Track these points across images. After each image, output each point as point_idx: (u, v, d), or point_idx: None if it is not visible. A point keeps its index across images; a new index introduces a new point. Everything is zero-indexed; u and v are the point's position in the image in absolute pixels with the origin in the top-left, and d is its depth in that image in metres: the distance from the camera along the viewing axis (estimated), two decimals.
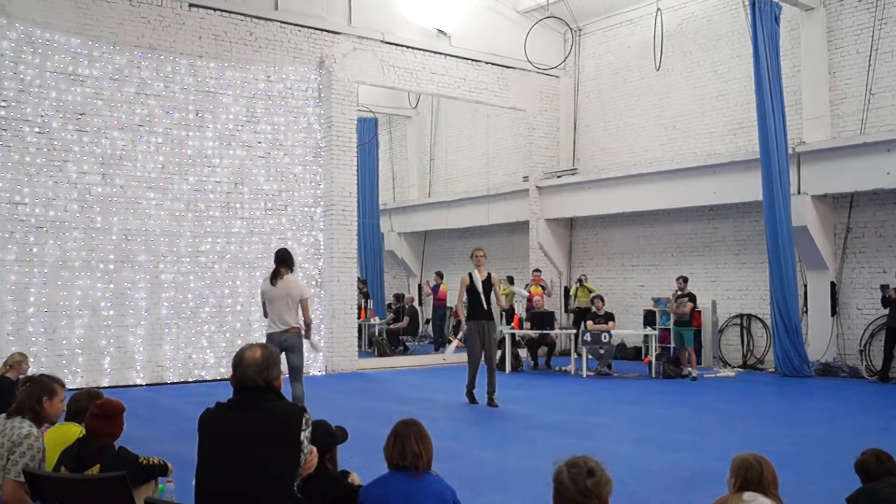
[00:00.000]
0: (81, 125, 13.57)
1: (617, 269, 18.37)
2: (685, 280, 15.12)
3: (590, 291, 17.20)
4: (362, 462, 3.94)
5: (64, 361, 13.00)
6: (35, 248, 13.03)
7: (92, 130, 13.66)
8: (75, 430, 4.70)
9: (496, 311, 12.16)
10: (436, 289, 20.17)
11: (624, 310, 17.77)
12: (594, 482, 2.99)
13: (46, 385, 4.73)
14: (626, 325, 17.18)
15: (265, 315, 9.60)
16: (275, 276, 9.31)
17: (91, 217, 13.61)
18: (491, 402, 11.25)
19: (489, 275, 11.48)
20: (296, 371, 9.29)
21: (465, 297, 11.59)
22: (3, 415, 4.66)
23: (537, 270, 17.23)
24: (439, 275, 20.82)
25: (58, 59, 13.36)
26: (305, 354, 9.87)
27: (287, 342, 9.15)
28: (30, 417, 4.55)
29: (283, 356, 8.63)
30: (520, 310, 17.12)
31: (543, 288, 17.03)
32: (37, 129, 13.15)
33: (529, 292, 16.56)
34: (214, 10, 14.79)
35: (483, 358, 11.36)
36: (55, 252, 13.20)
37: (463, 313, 11.76)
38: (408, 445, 3.80)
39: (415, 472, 3.78)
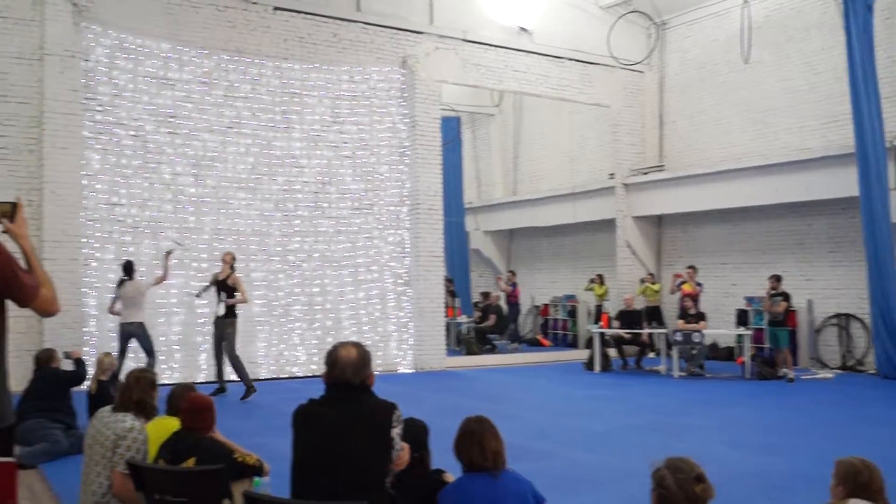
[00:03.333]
0: (173, 128, 13.92)
1: (707, 267, 17.92)
2: (778, 279, 14.66)
3: (653, 291, 17.00)
4: (453, 460, 3.90)
5: (161, 357, 13.28)
6: (131, 247, 13.40)
7: (183, 133, 14.00)
8: (174, 424, 4.80)
9: None
10: (513, 286, 20.15)
11: (715, 309, 17.32)
12: (703, 489, 2.86)
13: (152, 379, 4.89)
14: (717, 324, 16.76)
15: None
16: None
17: (184, 217, 13.95)
18: None
19: None
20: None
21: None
22: (110, 407, 4.79)
23: (691, 267, 16.49)
24: (513, 273, 21.10)
25: (149, 64, 13.72)
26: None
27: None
28: (134, 411, 4.67)
29: None
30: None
31: (700, 284, 16.26)
32: (131, 133, 13.53)
33: (681, 289, 15.96)
34: (298, 12, 14.99)
35: None
36: (150, 251, 13.56)
37: None
38: (486, 444, 3.76)
39: (494, 472, 3.73)
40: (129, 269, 11.94)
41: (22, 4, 12.73)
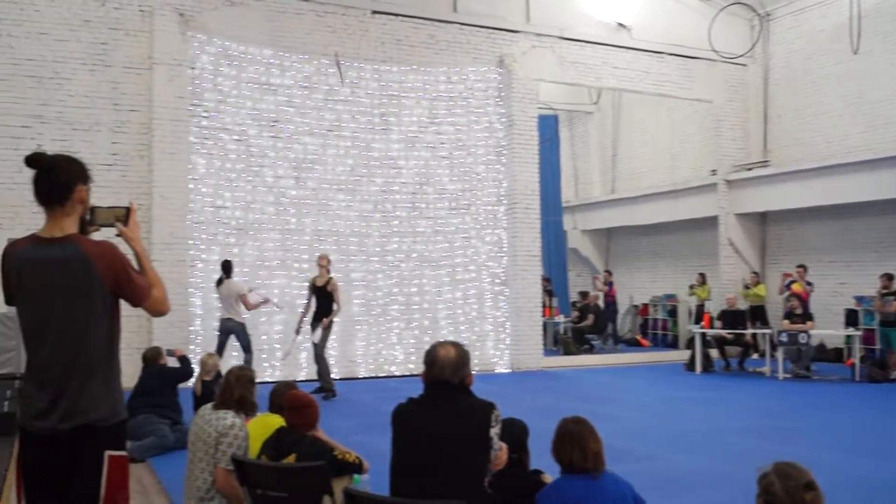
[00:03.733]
0: (275, 132, 14.26)
1: (814, 265, 17.30)
2: (890, 277, 14.08)
3: (757, 296, 16.53)
4: (550, 461, 3.88)
5: (263, 356, 13.67)
6: (236, 248, 13.78)
7: (285, 136, 14.33)
8: (276, 421, 4.91)
9: None
10: (609, 285, 19.92)
11: (823, 309, 16.72)
12: (813, 497, 2.74)
13: (251, 376, 5.01)
14: (825, 324, 16.19)
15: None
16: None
17: (286, 219, 14.27)
18: None
19: None
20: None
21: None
22: (211, 405, 4.93)
23: (801, 266, 16.01)
24: (609, 272, 20.95)
25: (252, 70, 14.09)
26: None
27: None
28: (235, 408, 4.81)
29: None
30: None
31: (810, 284, 15.76)
32: (235, 137, 13.92)
33: (791, 289, 15.50)
34: (396, 15, 15.16)
35: None
36: (254, 252, 13.93)
37: None
38: (587, 445, 3.72)
39: (594, 473, 3.69)
40: (226, 268, 12.27)
41: (132, 17, 13.27)
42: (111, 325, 3.25)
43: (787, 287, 15.37)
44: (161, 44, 13.26)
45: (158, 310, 3.37)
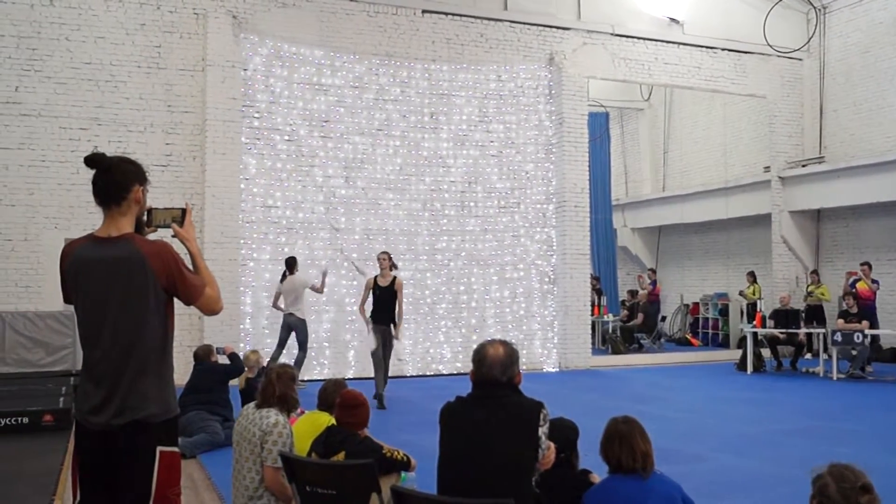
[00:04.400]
0: (326, 132, 14.38)
1: (872, 263, 16.98)
2: None
3: (822, 297, 16.27)
4: (598, 461, 3.87)
5: (312, 354, 13.77)
6: (286, 247, 13.92)
7: (335, 136, 14.44)
8: (326, 419, 4.96)
9: None
10: (653, 284, 19.75)
11: (880, 307, 16.36)
12: (869, 500, 2.69)
13: (293, 374, 5.08)
14: (882, 324, 15.85)
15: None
16: None
17: (336, 218, 14.37)
18: None
19: None
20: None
21: None
22: (254, 403, 4.99)
23: (865, 264, 15.50)
24: (653, 271, 20.92)
25: (303, 71, 14.22)
26: None
27: None
28: (277, 406, 4.86)
29: None
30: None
31: (875, 282, 15.29)
32: (286, 138, 14.07)
33: (856, 288, 15.10)
34: (446, 14, 15.19)
35: None
36: (304, 251, 14.05)
37: None
38: (636, 445, 3.70)
39: (643, 474, 3.66)
40: (290, 264, 12.57)
41: (187, 20, 13.48)
42: (165, 323, 3.33)
43: (853, 286, 14.97)
44: (214, 46, 13.46)
45: (211, 308, 3.43)
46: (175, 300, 3.39)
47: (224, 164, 13.38)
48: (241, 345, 12.64)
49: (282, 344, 12.45)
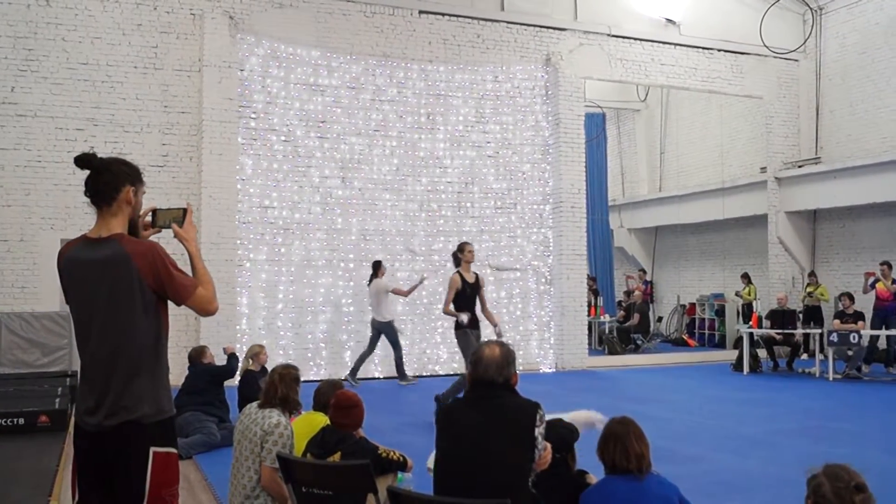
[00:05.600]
0: (322, 132, 14.37)
1: (867, 264, 16.97)
2: None
3: (821, 297, 16.29)
4: (596, 461, 3.88)
5: (308, 354, 13.82)
6: (283, 248, 13.94)
7: (332, 137, 14.43)
8: (321, 420, 4.96)
9: None
10: (645, 284, 19.83)
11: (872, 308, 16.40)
12: (863, 499, 2.70)
13: (296, 375, 5.07)
14: (878, 324, 15.85)
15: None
16: None
17: (332, 219, 14.37)
18: None
19: None
20: None
21: None
22: (256, 403, 5.00)
23: (885, 264, 14.92)
24: (643, 271, 21.38)
25: (300, 72, 14.22)
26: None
27: None
28: (280, 406, 4.87)
29: None
30: None
31: (895, 283, 14.86)
32: (283, 138, 14.06)
33: (876, 289, 14.87)
34: (443, 14, 15.20)
35: None
36: (301, 252, 14.06)
37: None
38: (630, 446, 3.69)
39: (638, 475, 3.67)
40: (374, 267, 13.34)
41: (183, 20, 13.48)
42: (157, 324, 3.32)
43: (872, 287, 14.86)
44: (211, 46, 13.45)
45: (205, 308, 3.42)
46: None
47: (220, 165, 13.36)
48: (238, 346, 12.62)
49: (370, 344, 13.30)
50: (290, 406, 4.92)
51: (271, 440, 4.66)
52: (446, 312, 9.79)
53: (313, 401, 5.46)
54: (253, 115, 13.86)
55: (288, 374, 5.00)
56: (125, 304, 3.22)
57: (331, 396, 4.93)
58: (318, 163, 14.32)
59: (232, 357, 9.23)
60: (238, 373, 9.31)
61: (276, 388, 4.91)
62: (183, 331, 12.70)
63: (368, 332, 14.13)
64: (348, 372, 13.25)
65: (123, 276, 3.20)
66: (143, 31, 13.30)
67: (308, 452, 4.60)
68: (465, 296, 9.57)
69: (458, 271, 9.68)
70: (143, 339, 3.26)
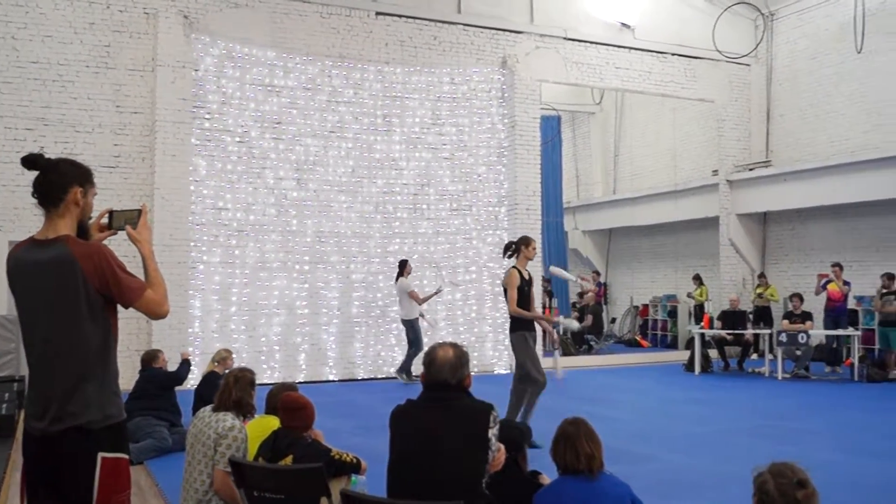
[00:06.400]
0: (278, 133, 14.28)
1: (815, 265, 17.33)
2: (891, 277, 14.11)
3: (772, 298, 16.56)
4: (549, 462, 3.91)
5: (262, 357, 13.72)
6: (237, 250, 13.83)
7: (287, 138, 14.35)
8: (274, 423, 4.93)
9: None
10: (599, 286, 20.11)
11: (817, 308, 16.71)
12: (805, 494, 2.76)
13: (251, 378, 5.02)
14: (827, 324, 16.16)
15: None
16: None
17: (287, 220, 14.29)
18: None
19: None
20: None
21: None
22: (210, 406, 4.95)
23: (837, 265, 15.16)
24: (597, 273, 21.74)
25: (255, 72, 14.12)
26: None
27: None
28: (234, 410, 4.83)
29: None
30: None
31: (847, 284, 15.09)
32: (237, 139, 13.95)
33: (827, 290, 15.04)
34: (400, 16, 15.20)
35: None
36: (255, 254, 13.96)
37: None
38: (580, 447, 3.72)
39: (590, 475, 3.70)
40: (400, 266, 13.72)
41: (136, 19, 13.32)
42: (105, 327, 3.25)
43: (824, 287, 15.10)
44: (165, 46, 13.30)
45: (155, 312, 3.36)
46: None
47: (174, 166, 13.22)
48: (191, 349, 12.50)
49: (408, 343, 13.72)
50: (244, 409, 4.87)
51: (225, 444, 4.62)
52: (515, 312, 8.65)
53: (266, 404, 5.42)
54: (207, 116, 13.73)
55: (243, 378, 4.96)
56: (70, 308, 3.16)
57: None
58: (273, 164, 14.23)
59: (184, 363, 9.10)
60: (201, 374, 9.19)
61: (230, 391, 4.86)
62: (134, 334, 12.54)
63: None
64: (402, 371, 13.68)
65: (68, 278, 3.14)
66: (96, 30, 13.11)
67: (260, 456, 4.57)
68: (522, 293, 8.66)
69: (515, 266, 8.74)
70: (90, 343, 3.20)
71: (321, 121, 14.62)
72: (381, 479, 3.80)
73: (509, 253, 8.91)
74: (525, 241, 8.90)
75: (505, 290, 8.61)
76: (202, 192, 13.60)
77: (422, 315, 13.91)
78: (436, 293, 14.20)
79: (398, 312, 14.05)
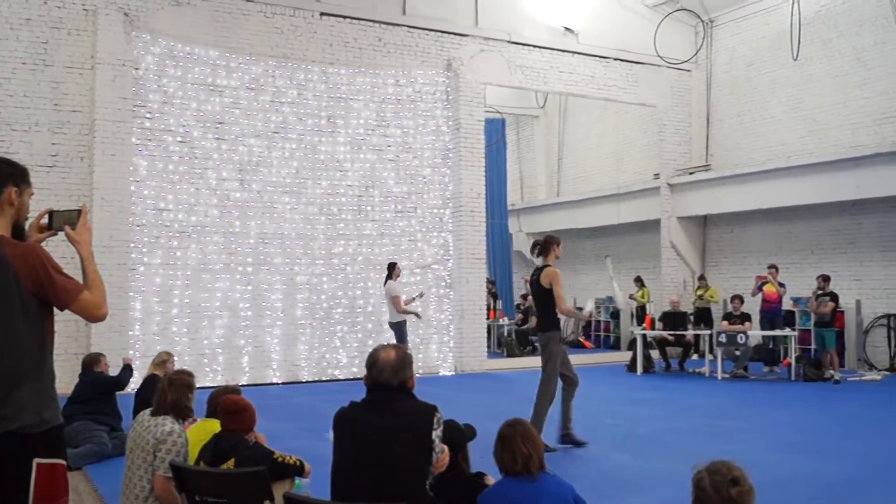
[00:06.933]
0: (220, 133, 14.13)
1: (753, 267, 17.69)
2: (826, 279, 14.47)
3: (711, 299, 16.88)
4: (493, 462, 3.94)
5: (205, 360, 13.56)
6: (178, 251, 13.65)
7: (230, 138, 14.20)
8: (215, 426, 4.87)
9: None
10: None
11: (756, 310, 17.07)
12: (738, 491, 2.84)
13: (188, 381, 4.95)
14: (764, 325, 16.51)
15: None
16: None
17: (230, 221, 14.14)
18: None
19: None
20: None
21: None
22: (148, 411, 4.88)
23: (773, 267, 15.44)
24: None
25: (198, 71, 13.95)
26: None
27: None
28: (173, 414, 4.76)
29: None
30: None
31: (783, 286, 15.34)
32: (179, 139, 13.76)
33: (763, 291, 15.34)
34: (344, 17, 15.14)
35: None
36: (197, 255, 13.79)
37: None
38: (516, 448, 3.73)
39: (530, 475, 3.72)
40: (389, 269, 13.54)
41: (75, 16, 13.05)
42: (40, 330, 3.18)
43: (760, 289, 15.39)
44: (104, 43, 13.06)
45: (92, 314, 3.30)
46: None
47: (114, 166, 12.99)
48: (131, 352, 12.31)
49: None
50: (181, 413, 4.80)
51: (164, 448, 4.55)
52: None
53: (207, 407, 5.34)
54: (148, 115, 13.52)
55: (179, 380, 4.88)
56: (4, 310, 3.07)
57: None
58: (215, 164, 14.07)
59: (127, 368, 8.93)
60: (142, 378, 9.01)
61: (166, 394, 4.79)
62: (73, 337, 12.29)
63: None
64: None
65: (1, 279, 3.08)
66: (33, 26, 12.81)
67: (201, 460, 4.52)
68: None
69: (550, 265, 8.64)
70: (25, 346, 3.13)
71: (264, 121, 14.50)
72: (326, 482, 3.78)
73: (537, 251, 8.78)
74: (556, 241, 8.80)
75: (542, 290, 8.53)
76: (143, 193, 13.39)
77: (417, 315, 13.82)
78: (417, 298, 14.07)
79: (386, 315, 13.91)
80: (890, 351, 15.40)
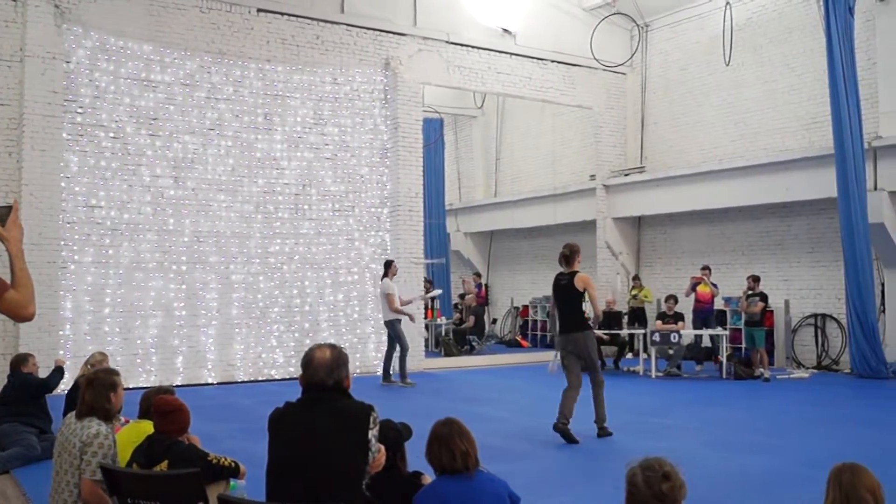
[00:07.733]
0: (154, 130, 13.88)
1: (686, 267, 18.04)
2: (756, 279, 14.82)
3: (645, 299, 17.16)
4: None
5: (138, 360, 13.32)
6: (110, 249, 13.38)
7: (164, 135, 13.96)
8: (148, 428, 4.79)
9: None
10: (479, 287, 20.42)
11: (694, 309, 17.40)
12: (669, 486, 2.91)
13: (108, 381, 4.79)
14: (696, 324, 16.83)
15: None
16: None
17: (164, 219, 13.91)
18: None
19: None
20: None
21: None
22: (73, 413, 4.76)
23: (706, 268, 15.67)
24: (478, 275, 22.09)
25: (131, 66, 13.68)
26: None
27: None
28: (99, 416, 4.64)
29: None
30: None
31: (715, 286, 15.52)
32: (111, 135, 13.49)
33: (697, 291, 15.54)
34: (282, 14, 15.01)
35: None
36: (130, 254, 13.53)
37: None
38: (454, 446, 3.77)
39: (467, 473, 3.75)
40: (385, 267, 13.68)
41: (3, 6, 12.69)
42: None
43: (693, 289, 15.65)
44: (34, 36, 12.72)
45: (18, 313, 3.22)
46: None
47: (43, 161, 12.68)
48: (61, 352, 12.04)
49: (389, 343, 13.83)
50: (100, 415, 4.65)
51: (90, 451, 4.45)
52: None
53: (139, 408, 5.26)
54: (79, 110, 13.22)
55: (96, 380, 4.73)
56: None
57: None
58: (149, 161, 13.82)
59: (57, 371, 8.68)
60: (73, 379, 8.80)
61: (84, 395, 4.66)
62: (0, 337, 11.97)
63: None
64: (398, 377, 13.60)
65: None
66: None
67: (134, 462, 4.44)
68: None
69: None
70: None
71: (200, 118, 14.30)
72: (261, 484, 3.76)
73: (565, 261, 9.34)
74: (579, 250, 9.54)
75: (573, 293, 9.10)
76: (74, 189, 13.09)
77: (411, 318, 13.92)
78: (416, 299, 14.20)
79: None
80: (817, 349, 15.83)
